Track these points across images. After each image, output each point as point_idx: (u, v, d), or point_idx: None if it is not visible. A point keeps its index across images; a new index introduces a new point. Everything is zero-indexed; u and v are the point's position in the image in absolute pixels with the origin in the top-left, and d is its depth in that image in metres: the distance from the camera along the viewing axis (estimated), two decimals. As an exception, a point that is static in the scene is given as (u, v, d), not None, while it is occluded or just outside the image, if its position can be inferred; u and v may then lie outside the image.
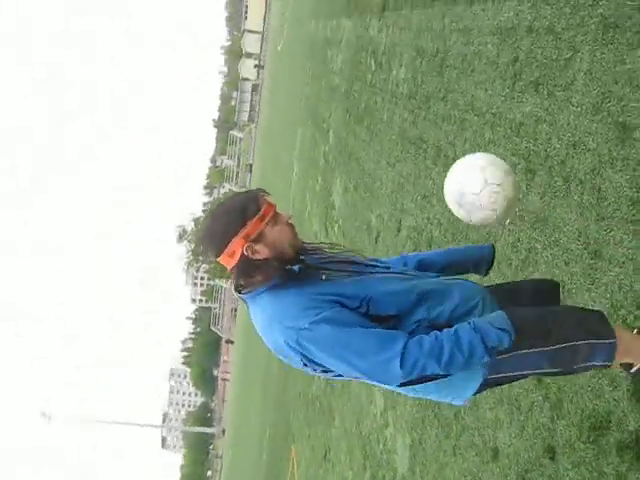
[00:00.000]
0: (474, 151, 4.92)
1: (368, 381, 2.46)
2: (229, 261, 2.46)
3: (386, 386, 2.51)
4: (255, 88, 65.12)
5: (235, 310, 57.40)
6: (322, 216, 11.81)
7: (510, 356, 2.50)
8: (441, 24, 6.15)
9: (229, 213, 2.48)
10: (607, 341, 2.58)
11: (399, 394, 4.83)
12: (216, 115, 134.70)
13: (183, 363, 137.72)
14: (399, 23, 7.74)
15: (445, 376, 2.40)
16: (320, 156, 12.85)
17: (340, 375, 2.56)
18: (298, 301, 2.43)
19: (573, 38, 3.83)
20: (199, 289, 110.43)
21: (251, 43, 68.91)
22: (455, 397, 2.63)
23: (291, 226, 2.54)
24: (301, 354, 2.41)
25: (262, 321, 2.51)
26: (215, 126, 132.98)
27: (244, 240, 2.42)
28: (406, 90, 7.07)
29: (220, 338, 78.72)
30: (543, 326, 2.58)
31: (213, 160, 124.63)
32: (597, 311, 2.82)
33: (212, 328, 72.64)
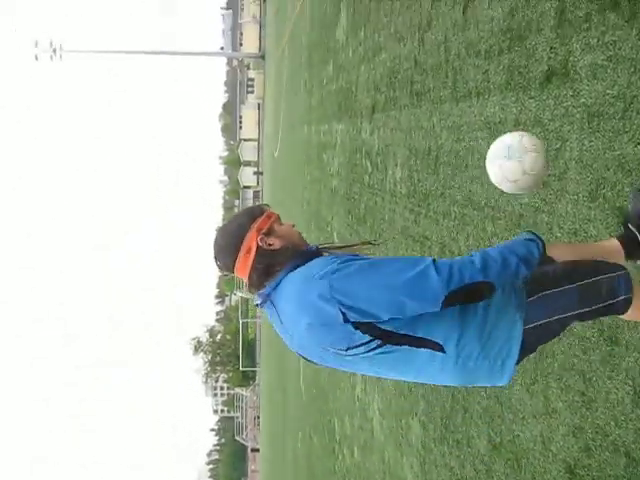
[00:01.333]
0: (478, 245, 4.96)
1: (412, 309, 2.39)
2: (246, 261, 2.56)
3: (428, 311, 2.40)
4: (256, 195, 66.16)
5: (258, 417, 56.59)
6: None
7: (538, 297, 2.57)
8: (430, 123, 6.29)
9: (238, 218, 2.68)
10: (622, 272, 2.67)
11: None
12: (220, 223, 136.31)
13: (210, 477, 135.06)
14: (389, 124, 7.92)
15: (490, 286, 2.40)
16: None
17: (380, 335, 2.45)
18: (322, 261, 2.52)
19: (560, 128, 3.90)
20: (220, 399, 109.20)
21: (248, 151, 70.39)
22: (503, 359, 2.53)
23: (295, 228, 2.70)
24: (337, 302, 2.37)
25: (291, 297, 2.51)
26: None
27: (257, 233, 2.56)
28: (404, 189, 7.17)
29: (245, 447, 77.34)
30: (564, 270, 2.69)
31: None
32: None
33: (237, 438, 71.46)
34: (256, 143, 66.64)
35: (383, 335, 2.45)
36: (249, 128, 70.46)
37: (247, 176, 70.04)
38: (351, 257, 2.54)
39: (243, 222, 2.62)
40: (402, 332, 2.45)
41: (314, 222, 14.93)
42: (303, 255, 2.58)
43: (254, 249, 2.56)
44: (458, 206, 5.52)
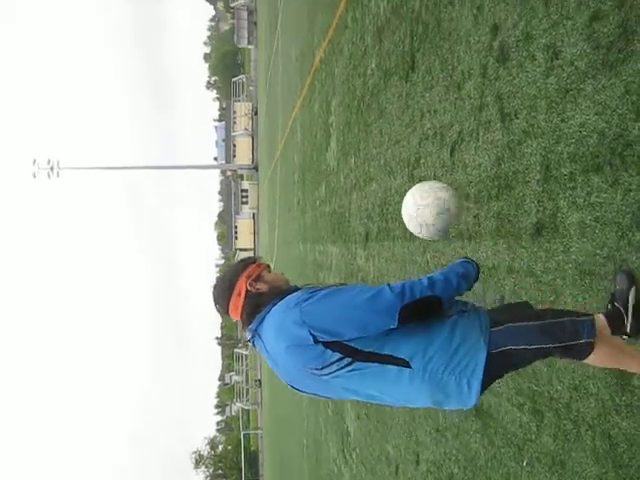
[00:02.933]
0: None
1: (373, 325, 2.67)
2: (237, 303, 2.94)
3: (385, 323, 2.67)
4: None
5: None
6: (338, 442, 11.58)
7: (505, 327, 2.81)
8: (424, 258, 6.35)
9: (232, 267, 3.09)
10: (587, 318, 2.88)
11: None
12: (218, 332, 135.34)
13: None
14: (383, 254, 7.99)
15: (437, 300, 2.72)
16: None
17: (348, 352, 2.71)
18: (297, 293, 2.86)
19: (553, 281, 3.94)
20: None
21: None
22: (469, 378, 2.72)
23: (283, 276, 3.09)
24: (307, 325, 2.68)
25: (272, 327, 2.84)
26: (219, 344, 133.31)
27: (247, 279, 2.96)
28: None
29: None
30: (535, 310, 3.06)
31: (221, 378, 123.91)
32: None
33: None
34: (252, 253, 67.03)
35: (351, 353, 2.72)
36: (244, 238, 71.00)
37: (244, 286, 69.72)
38: (321, 287, 2.88)
39: (236, 270, 3.03)
40: (369, 350, 2.72)
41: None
42: (284, 293, 2.92)
43: (244, 293, 2.95)
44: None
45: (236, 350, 74.75)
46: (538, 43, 4.13)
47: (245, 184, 71.09)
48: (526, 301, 3.33)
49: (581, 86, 3.67)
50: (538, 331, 2.81)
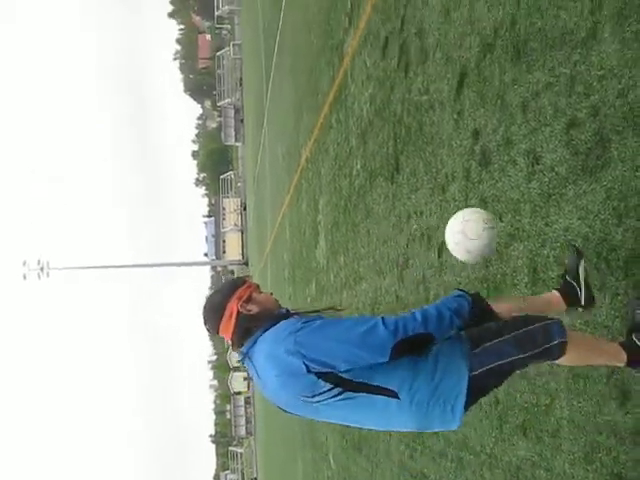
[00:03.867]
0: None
1: (364, 360, 2.75)
2: (229, 324, 2.99)
3: (375, 357, 2.75)
4: (248, 400, 64.92)
5: None
6: None
7: (482, 348, 2.88)
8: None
9: (222, 288, 3.16)
10: (553, 320, 2.99)
11: None
12: (212, 430, 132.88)
13: None
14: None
15: (429, 337, 2.79)
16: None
17: (339, 383, 2.80)
18: (290, 322, 2.92)
19: (547, 384, 3.92)
20: None
21: (236, 358, 69.67)
22: (452, 404, 2.83)
23: (273, 296, 3.14)
24: (301, 355, 2.75)
25: (265, 352, 2.90)
26: (213, 442, 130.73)
27: (238, 300, 3.00)
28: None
29: None
30: (502, 324, 3.03)
31: (217, 477, 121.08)
32: None
33: None
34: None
35: (342, 383, 2.80)
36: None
37: (237, 381, 69.27)
38: (314, 317, 2.94)
39: (226, 292, 3.08)
40: (359, 380, 2.80)
41: (309, 446, 14.59)
42: (276, 317, 2.98)
43: (235, 314, 2.99)
44: (453, 448, 5.43)
45: (230, 448, 73.30)
46: (518, 148, 4.23)
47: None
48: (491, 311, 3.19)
49: (563, 191, 3.74)
50: (513, 343, 2.91)
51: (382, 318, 2.81)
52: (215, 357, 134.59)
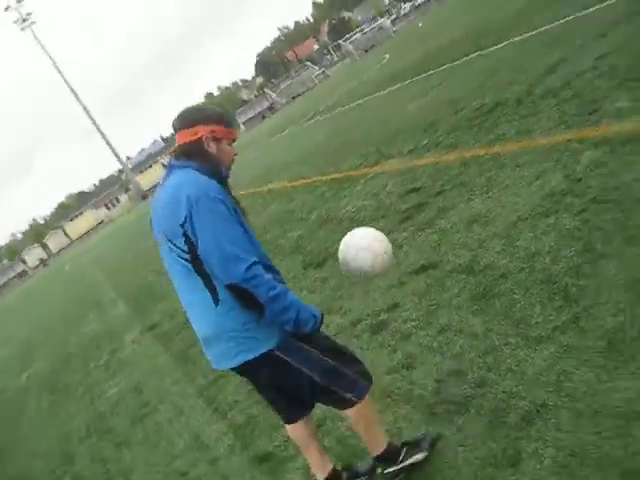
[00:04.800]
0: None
1: (212, 264, 2.93)
2: (186, 137, 3.11)
3: (222, 277, 2.94)
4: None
5: None
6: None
7: (300, 345, 3.10)
8: None
9: (210, 110, 3.21)
10: (367, 382, 3.27)
11: None
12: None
13: None
14: None
15: (260, 309, 2.95)
16: None
17: (192, 255, 2.98)
18: (214, 183, 3.03)
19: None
20: None
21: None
22: (241, 352, 3.06)
23: (235, 156, 3.25)
24: (189, 212, 2.90)
25: (176, 182, 3.04)
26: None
27: (210, 132, 3.10)
28: None
29: None
30: (335, 347, 3.27)
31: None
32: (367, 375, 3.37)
33: None
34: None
35: (195, 258, 2.98)
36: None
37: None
38: (226, 201, 3.01)
39: (212, 115, 3.16)
40: (206, 271, 2.98)
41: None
42: (214, 173, 3.10)
43: (197, 137, 3.10)
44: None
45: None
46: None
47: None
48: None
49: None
50: (320, 368, 3.16)
51: (254, 264, 2.93)
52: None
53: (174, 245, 3.02)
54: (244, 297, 2.96)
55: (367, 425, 3.37)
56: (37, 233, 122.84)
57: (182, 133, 3.15)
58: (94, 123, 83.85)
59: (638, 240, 4.28)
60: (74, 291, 25.26)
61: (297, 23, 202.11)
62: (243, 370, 3.19)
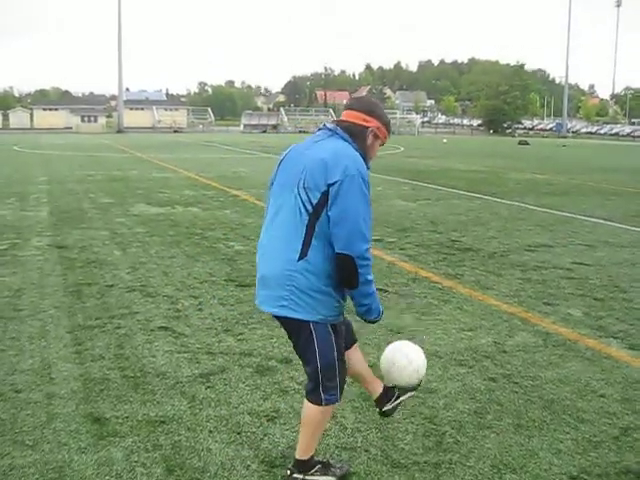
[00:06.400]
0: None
1: (339, 231, 3.31)
2: (358, 119, 3.53)
3: (341, 245, 3.32)
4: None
5: None
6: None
7: (329, 332, 3.50)
8: None
9: (385, 111, 3.70)
10: (339, 396, 3.62)
11: None
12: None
13: None
14: None
15: (335, 287, 3.43)
16: None
17: (319, 211, 3.36)
18: (366, 168, 3.47)
19: None
20: None
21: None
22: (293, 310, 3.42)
23: (378, 153, 3.69)
24: (343, 180, 3.29)
25: (339, 147, 3.42)
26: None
27: (377, 127, 3.55)
28: None
29: None
30: (343, 352, 3.65)
31: None
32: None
33: None
34: None
35: (316, 214, 3.34)
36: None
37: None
38: (370, 188, 3.43)
39: (383, 115, 3.61)
40: (323, 230, 3.35)
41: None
42: (364, 159, 3.49)
43: (366, 125, 3.52)
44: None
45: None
46: None
47: None
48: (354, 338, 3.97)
49: None
50: (328, 359, 3.50)
51: (371, 246, 3.40)
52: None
53: (306, 194, 3.36)
54: (343, 268, 3.36)
55: (314, 429, 3.67)
56: (4, 101, 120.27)
57: (356, 114, 3.56)
58: (119, 31, 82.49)
59: (524, 428, 4.46)
60: (7, 171, 24.54)
61: (342, 72, 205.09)
62: (281, 321, 3.56)
